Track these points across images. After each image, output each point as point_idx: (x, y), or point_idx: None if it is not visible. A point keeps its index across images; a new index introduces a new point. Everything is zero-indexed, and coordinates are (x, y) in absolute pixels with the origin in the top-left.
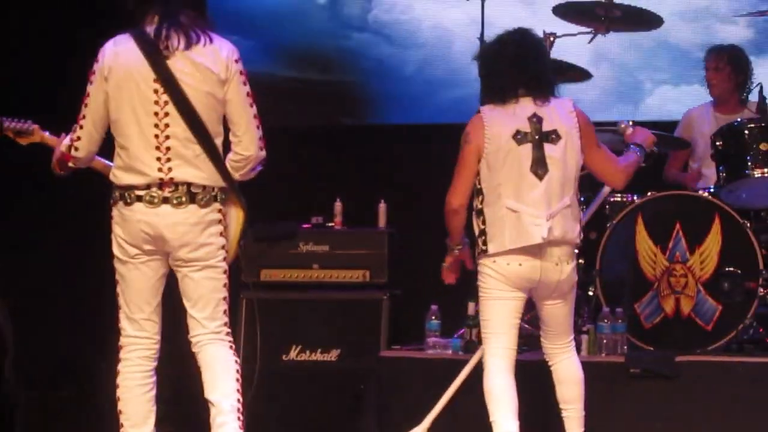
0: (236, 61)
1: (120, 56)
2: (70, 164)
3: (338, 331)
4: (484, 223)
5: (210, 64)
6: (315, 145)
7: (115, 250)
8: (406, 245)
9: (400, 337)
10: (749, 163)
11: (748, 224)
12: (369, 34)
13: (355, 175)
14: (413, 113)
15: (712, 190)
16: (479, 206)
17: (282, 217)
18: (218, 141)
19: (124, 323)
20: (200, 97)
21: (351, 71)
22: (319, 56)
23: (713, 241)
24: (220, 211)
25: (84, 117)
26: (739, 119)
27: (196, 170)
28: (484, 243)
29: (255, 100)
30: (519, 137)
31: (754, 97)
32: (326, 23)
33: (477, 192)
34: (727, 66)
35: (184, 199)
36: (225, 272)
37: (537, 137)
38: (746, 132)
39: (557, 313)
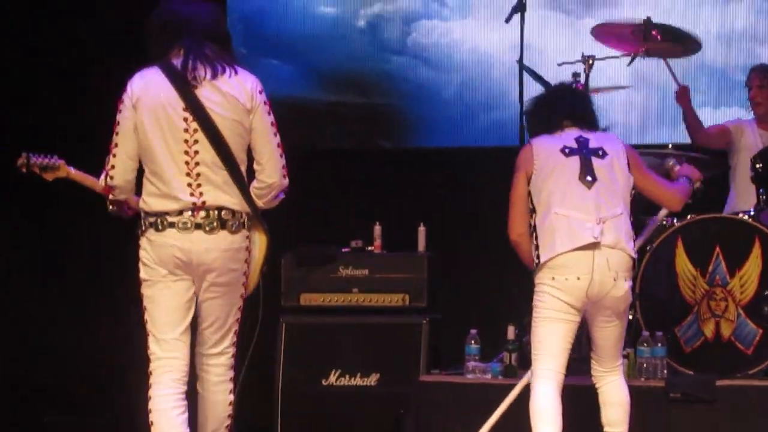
0: (260, 92)
1: (149, 87)
2: (111, 196)
3: (378, 355)
4: (537, 238)
5: (236, 94)
6: (354, 168)
7: (144, 275)
8: (446, 269)
9: (439, 362)
10: None
11: None
12: (408, 57)
13: (395, 199)
14: (452, 136)
15: (752, 212)
16: (533, 223)
17: (321, 240)
18: (243, 168)
19: (153, 347)
20: (228, 125)
21: (390, 94)
22: (359, 80)
23: (753, 265)
24: (247, 237)
25: (116, 145)
26: None
27: (226, 195)
28: (538, 256)
29: (278, 130)
30: (567, 151)
31: None
32: (365, 47)
33: (530, 211)
34: None
35: (215, 224)
36: (242, 296)
37: (584, 151)
38: None
39: (610, 334)
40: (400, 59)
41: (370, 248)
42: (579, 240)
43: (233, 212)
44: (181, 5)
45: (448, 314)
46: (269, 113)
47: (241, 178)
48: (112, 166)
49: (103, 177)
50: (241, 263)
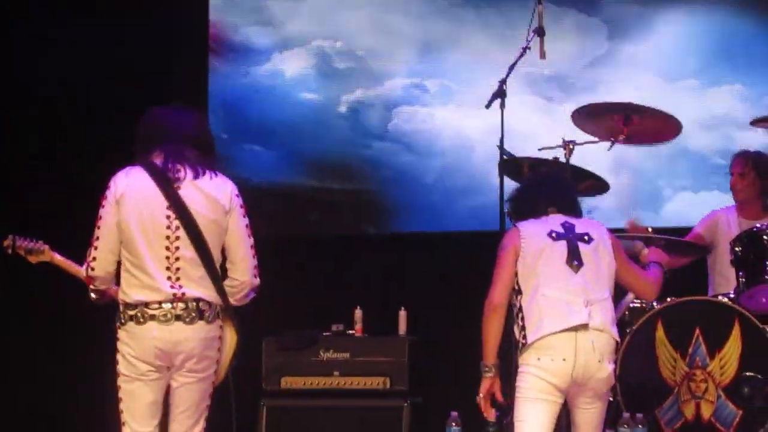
0: (237, 196)
1: (132, 184)
2: (92, 286)
3: None
4: (523, 319)
5: (216, 195)
6: (335, 253)
7: (123, 369)
8: (427, 352)
9: None
10: None
11: None
12: (389, 142)
13: (376, 283)
14: (433, 221)
15: (731, 295)
16: (518, 304)
17: (303, 324)
18: (217, 265)
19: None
20: (207, 224)
21: (372, 180)
22: (340, 165)
23: (733, 346)
24: (221, 327)
25: (98, 238)
26: (758, 225)
27: (203, 288)
28: (524, 337)
29: (252, 233)
30: (554, 235)
31: None
32: (347, 132)
33: (516, 292)
34: (752, 171)
35: (194, 315)
36: (213, 383)
37: (570, 236)
38: (765, 238)
39: (592, 416)
40: (382, 144)
41: (351, 332)
42: (567, 322)
43: (209, 303)
44: (167, 111)
45: (429, 397)
46: (244, 216)
47: (217, 274)
48: (93, 258)
49: (84, 267)
50: (215, 351)
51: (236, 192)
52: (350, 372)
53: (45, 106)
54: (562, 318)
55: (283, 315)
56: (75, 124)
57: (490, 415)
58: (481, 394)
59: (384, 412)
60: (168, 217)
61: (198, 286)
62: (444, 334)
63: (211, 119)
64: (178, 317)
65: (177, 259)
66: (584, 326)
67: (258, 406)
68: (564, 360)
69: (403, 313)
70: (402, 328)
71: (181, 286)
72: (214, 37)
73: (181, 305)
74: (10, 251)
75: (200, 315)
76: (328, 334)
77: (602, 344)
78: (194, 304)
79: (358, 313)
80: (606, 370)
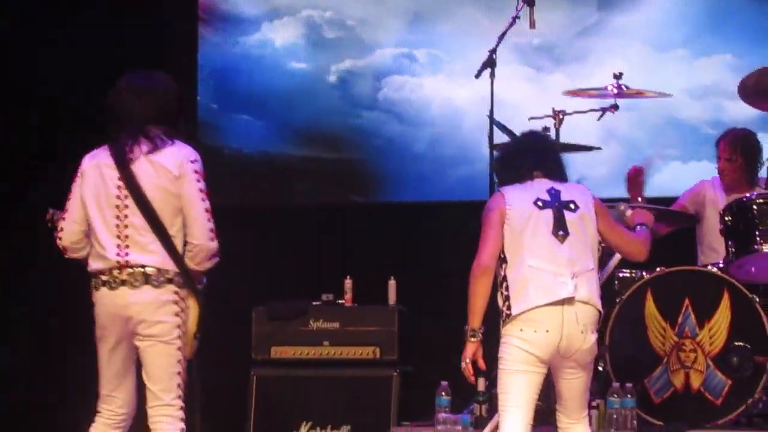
0: (192, 162)
1: (93, 161)
2: (65, 256)
3: (348, 407)
4: (507, 288)
5: (166, 163)
6: (326, 222)
7: (96, 331)
8: (416, 322)
9: (411, 414)
10: (758, 238)
11: (757, 299)
12: (379, 112)
13: (366, 253)
14: (423, 191)
15: (721, 265)
16: (503, 273)
17: (293, 294)
18: (173, 231)
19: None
20: (155, 192)
21: (361, 149)
22: (330, 135)
23: (722, 316)
24: (176, 293)
25: (66, 210)
26: (747, 195)
27: (151, 255)
28: (509, 308)
29: (209, 197)
30: (540, 203)
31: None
32: (336, 102)
33: (501, 261)
34: (739, 157)
35: (140, 279)
36: (179, 349)
37: (556, 204)
38: (755, 207)
39: (576, 385)
40: (371, 114)
41: (340, 301)
42: (554, 294)
43: (158, 269)
44: (130, 92)
45: (419, 367)
46: (198, 180)
47: (169, 240)
48: (61, 229)
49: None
50: (171, 316)
51: (192, 158)
52: (340, 342)
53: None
54: (549, 291)
55: (273, 285)
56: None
57: (473, 379)
58: (466, 359)
59: (374, 382)
60: (119, 187)
61: (145, 252)
62: (434, 304)
63: (200, 89)
64: (123, 282)
65: (126, 227)
66: (570, 299)
67: (248, 376)
68: (547, 332)
69: (392, 283)
70: (392, 297)
71: (127, 254)
72: (204, 6)
73: (127, 270)
74: (50, 225)
75: (146, 279)
76: (317, 303)
77: (586, 316)
78: (140, 269)
79: (348, 282)
80: (589, 341)
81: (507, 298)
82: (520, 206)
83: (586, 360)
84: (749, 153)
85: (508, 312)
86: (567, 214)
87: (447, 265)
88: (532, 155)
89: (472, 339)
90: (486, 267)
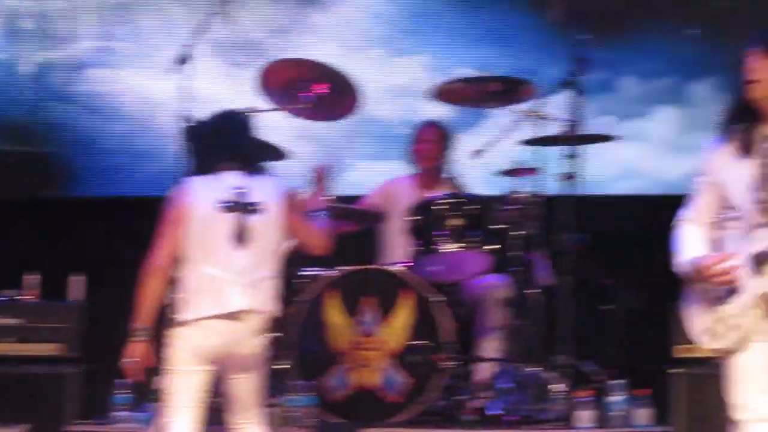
0: None
1: None
2: None
3: (26, 406)
4: (180, 291)
5: None
6: (12, 217)
7: None
8: (102, 319)
9: (92, 412)
10: (439, 239)
11: (439, 299)
12: (73, 105)
13: (54, 248)
14: (115, 185)
15: (403, 264)
16: (178, 275)
17: None
18: None
19: None
20: None
21: (53, 143)
22: (21, 127)
23: (402, 315)
24: None
25: None
26: (431, 195)
27: None
28: (179, 311)
29: None
30: (222, 206)
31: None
32: (30, 94)
33: (177, 261)
34: (442, 141)
35: None
36: None
37: (241, 207)
38: (437, 208)
39: (245, 387)
40: (65, 107)
41: (24, 297)
42: (225, 306)
43: None
44: None
45: (102, 364)
46: None
47: None
48: None
49: None
50: None
51: None
52: (23, 338)
53: None
54: (218, 302)
55: None
56: None
57: (140, 378)
58: (128, 358)
59: (54, 379)
60: None
61: None
62: (120, 301)
63: None
64: None
65: None
66: (242, 311)
67: None
68: (214, 338)
69: (78, 279)
70: (76, 293)
71: None
72: None
73: None
74: None
75: None
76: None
77: (256, 323)
78: None
79: (31, 278)
80: (255, 345)
81: (178, 302)
82: (201, 206)
83: (253, 363)
84: (449, 139)
85: (177, 316)
86: (251, 219)
87: (137, 262)
88: (222, 144)
89: (135, 338)
90: (158, 267)
